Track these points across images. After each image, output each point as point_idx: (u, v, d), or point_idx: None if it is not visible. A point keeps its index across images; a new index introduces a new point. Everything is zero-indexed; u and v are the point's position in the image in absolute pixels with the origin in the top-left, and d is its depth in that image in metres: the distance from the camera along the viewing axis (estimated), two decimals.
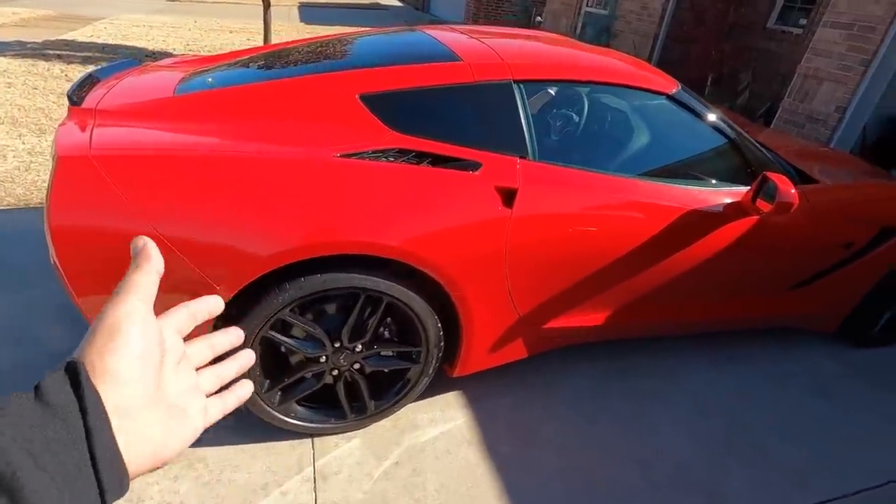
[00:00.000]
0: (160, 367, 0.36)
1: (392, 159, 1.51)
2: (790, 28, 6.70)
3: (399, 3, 16.98)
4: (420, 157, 1.55)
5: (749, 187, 1.84)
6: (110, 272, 1.33)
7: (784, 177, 1.73)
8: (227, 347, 0.45)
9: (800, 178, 2.16)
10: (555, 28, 9.31)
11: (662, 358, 2.29)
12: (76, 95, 1.60)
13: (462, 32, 2.09)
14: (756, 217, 1.85)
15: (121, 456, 0.33)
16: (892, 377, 2.34)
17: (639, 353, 2.29)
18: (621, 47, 7.47)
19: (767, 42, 6.91)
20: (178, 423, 0.37)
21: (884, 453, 1.94)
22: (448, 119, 1.64)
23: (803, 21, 6.52)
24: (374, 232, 1.42)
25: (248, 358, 0.46)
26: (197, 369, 0.42)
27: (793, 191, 1.68)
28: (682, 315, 2.05)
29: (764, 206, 1.74)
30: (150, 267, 0.39)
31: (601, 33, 7.84)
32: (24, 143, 3.73)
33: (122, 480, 0.33)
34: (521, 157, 1.64)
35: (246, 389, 0.45)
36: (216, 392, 0.43)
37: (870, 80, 4.25)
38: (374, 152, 1.51)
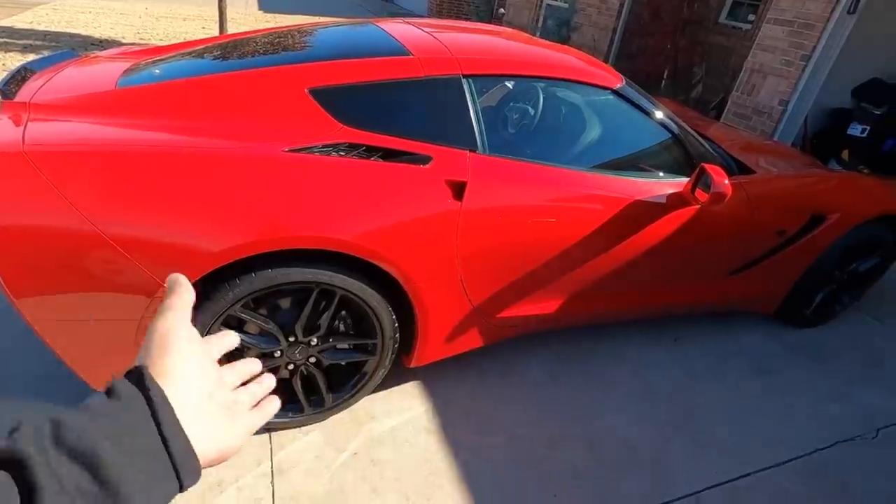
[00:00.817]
0: (212, 370, 0.42)
1: (342, 154, 1.52)
2: (739, 24, 6.96)
3: None
4: (370, 151, 1.56)
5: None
6: (48, 272, 1.29)
7: (719, 168, 1.83)
8: (248, 375, 0.50)
9: (739, 169, 2.28)
10: (517, 21, 9.38)
11: (613, 342, 2.39)
12: (8, 89, 1.53)
13: (415, 26, 2.10)
14: (696, 207, 1.95)
15: (189, 443, 0.36)
16: (825, 354, 2.52)
17: (590, 339, 2.38)
18: (581, 40, 7.60)
19: (719, 37, 7.16)
20: (235, 421, 0.42)
21: (814, 426, 2.09)
22: (398, 113, 1.66)
23: (752, 17, 6.79)
24: (325, 226, 1.43)
25: (270, 381, 0.50)
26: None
27: (726, 181, 1.78)
28: (630, 302, 2.15)
29: (701, 196, 1.83)
30: (183, 290, 0.44)
31: (561, 26, 7.96)
32: None
33: (195, 466, 0.37)
34: (470, 151, 1.68)
35: (275, 405, 0.49)
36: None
37: (809, 75, 4.49)
38: (323, 147, 1.51)
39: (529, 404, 2.01)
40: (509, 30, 2.48)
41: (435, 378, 2.05)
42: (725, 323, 2.62)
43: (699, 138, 2.12)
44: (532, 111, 2.14)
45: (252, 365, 0.51)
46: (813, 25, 4.37)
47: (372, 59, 1.67)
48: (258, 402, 0.48)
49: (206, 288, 1.40)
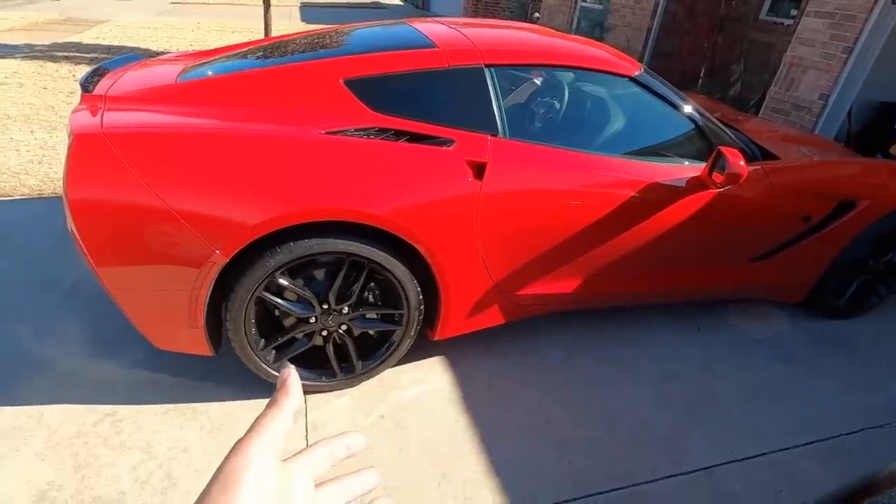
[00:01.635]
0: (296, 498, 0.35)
1: (373, 136, 1.67)
2: (781, 19, 6.79)
3: (400, 2, 17.12)
4: (398, 134, 1.70)
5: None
6: (124, 240, 1.50)
7: (736, 151, 1.87)
8: (360, 493, 0.42)
9: (764, 156, 2.30)
10: (551, 23, 9.43)
11: (632, 328, 2.44)
12: (88, 84, 1.77)
13: (444, 24, 2.24)
14: (715, 190, 2.00)
15: None
16: (855, 347, 2.47)
17: (610, 324, 2.44)
18: (615, 41, 7.59)
19: (759, 33, 7.00)
20: None
21: (839, 412, 2.07)
22: (424, 100, 1.79)
23: (794, 12, 6.61)
24: (356, 201, 1.58)
25: (372, 479, 0.44)
26: None
27: (742, 163, 1.82)
28: (648, 284, 2.20)
29: (718, 178, 1.88)
30: (286, 404, 0.37)
31: (595, 28, 7.97)
32: (35, 138, 3.92)
33: None
34: (491, 135, 1.79)
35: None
36: None
37: (851, 68, 4.36)
38: (356, 130, 1.67)
39: (549, 383, 2.09)
40: (534, 25, 2.59)
41: (458, 355, 2.16)
42: (750, 312, 2.61)
43: (720, 125, 2.16)
44: (552, 98, 2.24)
45: (365, 480, 0.42)
46: (855, 17, 4.25)
47: (400, 52, 1.82)
48: None
49: (252, 255, 1.57)
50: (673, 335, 2.42)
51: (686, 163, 2.05)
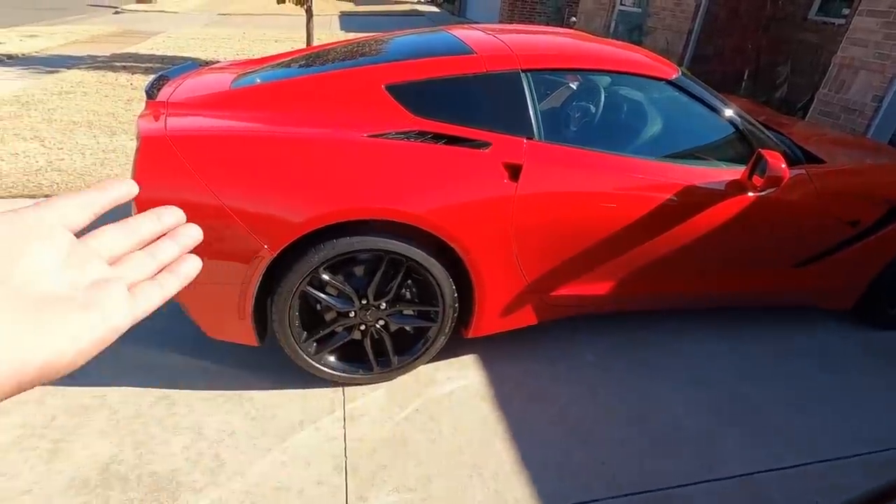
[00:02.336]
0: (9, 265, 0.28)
1: (412, 139, 1.74)
2: (832, 19, 6.53)
3: (436, 10, 17.35)
4: (437, 137, 1.77)
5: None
6: None
7: (777, 153, 1.84)
8: (158, 232, 0.37)
9: (809, 160, 2.24)
10: (588, 28, 9.36)
11: (668, 333, 2.41)
12: (151, 91, 1.91)
13: (481, 30, 2.30)
14: (755, 193, 1.97)
15: None
16: None
17: (645, 328, 2.42)
18: (654, 44, 7.47)
19: (808, 34, 6.75)
20: (61, 323, 0.28)
21: (888, 426, 1.99)
22: (462, 104, 1.85)
23: (846, 11, 6.34)
24: (396, 200, 1.65)
25: (194, 233, 0.38)
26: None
27: (783, 165, 1.79)
28: (684, 288, 2.18)
29: (758, 181, 1.85)
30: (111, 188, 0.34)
31: (633, 31, 7.87)
32: (98, 142, 4.21)
33: None
34: (527, 138, 1.83)
35: (192, 265, 0.37)
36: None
37: None
38: (397, 133, 1.74)
39: (582, 383, 2.10)
40: (570, 30, 2.61)
41: (492, 354, 2.20)
42: (794, 319, 2.54)
43: (761, 127, 2.13)
44: (588, 102, 2.26)
45: (166, 217, 0.37)
46: None
47: (439, 58, 1.89)
48: (165, 268, 0.36)
49: (297, 251, 1.67)
50: (711, 340, 2.39)
51: (725, 166, 2.03)
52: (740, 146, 2.07)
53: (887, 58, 4.26)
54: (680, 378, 2.16)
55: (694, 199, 1.95)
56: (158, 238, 0.37)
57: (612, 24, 8.72)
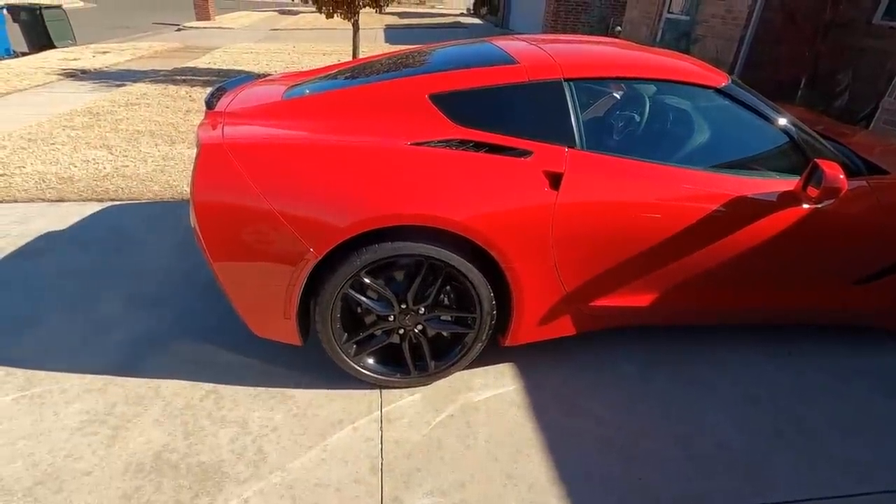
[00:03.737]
0: None
1: (455, 147, 1.78)
2: None
3: (479, 21, 17.52)
4: (478, 146, 1.79)
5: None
6: (237, 238, 1.70)
7: (835, 164, 1.76)
8: None
9: (871, 171, 2.13)
10: (634, 38, 9.21)
11: (716, 348, 2.32)
12: (211, 102, 2.04)
13: (524, 41, 2.32)
14: (811, 205, 1.88)
15: None
16: None
17: (691, 342, 2.34)
18: (702, 53, 7.26)
19: (872, 39, 6.39)
20: None
21: None
22: (504, 113, 1.87)
23: None
24: (437, 207, 1.68)
25: None
26: None
27: (841, 176, 1.71)
28: (731, 303, 2.10)
29: (813, 192, 1.77)
30: None
31: (680, 39, 7.68)
32: (159, 150, 4.49)
33: None
34: (569, 147, 1.83)
35: None
36: None
37: None
38: (439, 142, 1.78)
39: (621, 397, 2.06)
40: (614, 39, 2.59)
41: (529, 363, 2.19)
42: (852, 339, 2.39)
43: (817, 137, 2.04)
44: (632, 111, 2.23)
45: None
46: None
47: (482, 69, 1.92)
48: None
49: (340, 255, 1.72)
50: (761, 358, 2.28)
51: (778, 177, 1.95)
52: (795, 156, 1.99)
53: None
54: (727, 395, 2.08)
55: (744, 211, 1.88)
56: None
57: (659, 33, 8.54)
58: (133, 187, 3.74)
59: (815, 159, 1.79)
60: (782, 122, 2.01)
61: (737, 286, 2.04)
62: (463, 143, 1.80)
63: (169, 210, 3.42)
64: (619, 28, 10.16)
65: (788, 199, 1.89)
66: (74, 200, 3.52)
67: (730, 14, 6.94)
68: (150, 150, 4.48)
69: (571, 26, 12.07)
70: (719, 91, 1.96)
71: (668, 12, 8.44)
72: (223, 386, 2.00)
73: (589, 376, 2.16)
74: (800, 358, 2.30)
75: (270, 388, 2.00)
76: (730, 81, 2.00)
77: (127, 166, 4.11)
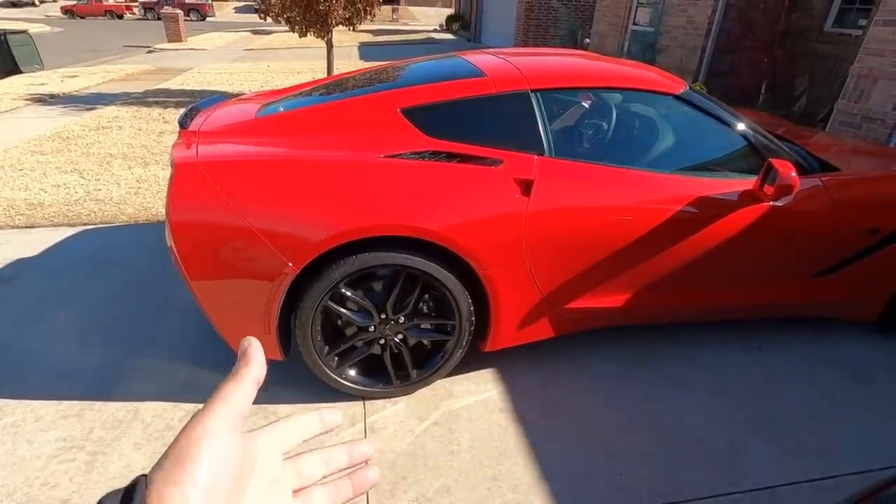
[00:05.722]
0: (236, 494, 0.33)
1: (427, 159, 1.82)
2: (848, 30, 6.50)
3: (452, 37, 17.82)
4: (450, 156, 1.84)
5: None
6: (214, 255, 1.71)
7: (787, 162, 1.86)
8: (345, 464, 0.41)
9: (824, 168, 2.24)
10: (602, 49, 9.49)
11: (690, 345, 2.40)
12: (185, 121, 2.05)
13: (493, 54, 2.40)
14: (768, 203, 1.98)
15: None
16: None
17: (665, 341, 2.41)
18: (667, 62, 7.53)
19: (825, 46, 6.72)
20: None
21: None
22: (474, 124, 1.93)
23: (862, 22, 6.31)
24: (412, 217, 1.72)
25: (371, 477, 0.41)
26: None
27: (793, 174, 1.81)
28: (701, 300, 2.17)
29: (769, 190, 1.87)
30: (247, 374, 0.37)
31: (646, 50, 7.95)
32: (132, 173, 4.44)
33: None
34: (538, 155, 1.90)
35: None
36: None
37: None
38: (412, 154, 1.83)
39: (599, 396, 2.10)
40: (581, 51, 2.69)
41: (510, 367, 2.22)
42: (818, 331, 2.49)
43: (772, 139, 2.15)
44: (597, 119, 2.32)
45: (356, 452, 0.41)
46: None
47: (451, 82, 1.98)
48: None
49: (319, 268, 1.74)
50: (732, 352, 2.36)
51: (737, 177, 2.05)
52: (752, 157, 2.09)
53: None
54: (701, 389, 2.14)
55: (706, 211, 1.97)
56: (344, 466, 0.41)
57: (626, 44, 8.83)
58: (106, 210, 3.69)
59: (770, 159, 1.89)
60: (739, 125, 2.11)
61: (705, 283, 2.12)
62: (435, 155, 1.84)
63: (144, 232, 3.38)
64: (587, 40, 10.46)
65: (748, 197, 1.99)
66: (45, 226, 3.46)
67: (691, 24, 7.22)
68: (123, 173, 4.42)
69: (542, 39, 12.39)
70: (678, 97, 2.06)
71: (634, 24, 8.74)
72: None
73: (568, 377, 2.20)
74: (769, 350, 2.38)
75: (253, 405, 1.97)
76: (687, 88, 2.10)
77: (99, 190, 4.06)
